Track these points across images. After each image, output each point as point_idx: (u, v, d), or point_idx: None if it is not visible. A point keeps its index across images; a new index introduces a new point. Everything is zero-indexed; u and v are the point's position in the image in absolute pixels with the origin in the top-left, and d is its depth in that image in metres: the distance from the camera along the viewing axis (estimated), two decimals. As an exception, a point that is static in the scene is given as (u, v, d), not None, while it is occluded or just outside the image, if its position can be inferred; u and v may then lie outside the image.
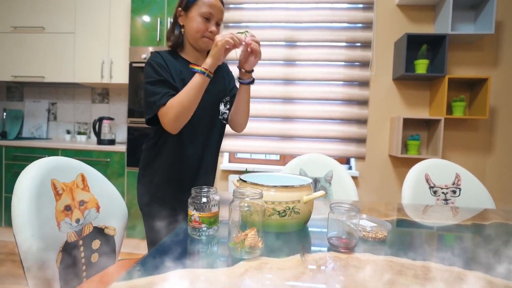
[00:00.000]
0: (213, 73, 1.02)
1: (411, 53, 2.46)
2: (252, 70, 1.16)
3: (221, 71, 1.25)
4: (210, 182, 1.26)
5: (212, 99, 1.16)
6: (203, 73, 1.00)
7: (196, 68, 1.02)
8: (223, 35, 1.00)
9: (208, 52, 1.11)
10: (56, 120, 3.08)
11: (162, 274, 0.61)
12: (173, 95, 1.01)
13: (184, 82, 1.04)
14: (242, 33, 1.07)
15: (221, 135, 1.25)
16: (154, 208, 1.14)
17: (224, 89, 1.22)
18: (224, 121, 1.24)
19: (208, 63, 1.00)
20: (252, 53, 1.09)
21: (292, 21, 2.72)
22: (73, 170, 0.98)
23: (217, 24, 1.11)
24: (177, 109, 0.99)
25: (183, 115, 1.01)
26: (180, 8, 1.11)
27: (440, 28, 2.46)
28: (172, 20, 1.16)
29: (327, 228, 0.81)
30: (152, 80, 1.04)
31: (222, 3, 1.12)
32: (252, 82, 1.17)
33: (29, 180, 0.80)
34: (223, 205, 1.16)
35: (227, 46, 1.00)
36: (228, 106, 1.23)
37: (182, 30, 1.13)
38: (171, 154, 1.13)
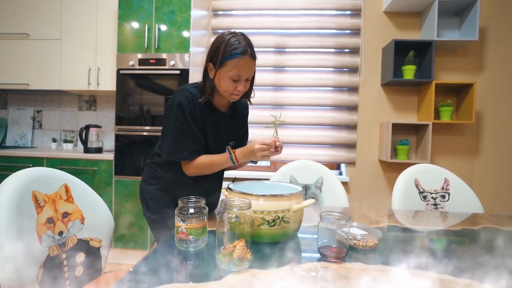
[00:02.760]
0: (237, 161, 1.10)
1: (398, 59, 2.50)
2: None
3: (241, 116, 1.28)
4: (215, 201, 1.28)
5: (225, 141, 1.21)
6: (233, 161, 1.09)
7: (231, 153, 1.09)
8: (264, 146, 1.04)
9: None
10: (42, 128, 3.01)
11: (147, 290, 0.59)
12: (198, 152, 1.10)
13: (204, 125, 1.11)
14: (272, 123, 1.13)
15: None
16: (161, 217, 1.15)
17: (236, 135, 1.27)
18: None
19: (240, 157, 1.08)
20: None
21: (281, 28, 2.74)
22: (55, 181, 0.95)
23: (246, 80, 1.08)
24: (198, 170, 1.11)
25: (201, 174, 1.13)
26: (210, 64, 1.07)
27: (426, 34, 2.50)
28: (203, 71, 1.12)
29: (317, 237, 0.80)
30: (182, 128, 1.07)
31: (254, 58, 1.06)
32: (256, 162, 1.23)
33: (8, 193, 0.77)
34: (211, 215, 1.14)
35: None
36: (231, 144, 1.25)
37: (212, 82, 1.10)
38: (177, 178, 1.16)
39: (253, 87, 1.18)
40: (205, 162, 1.10)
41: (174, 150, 1.08)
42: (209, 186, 1.22)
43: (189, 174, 1.12)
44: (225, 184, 1.22)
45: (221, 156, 1.11)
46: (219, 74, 1.05)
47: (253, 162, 1.18)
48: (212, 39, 2.78)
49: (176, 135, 1.07)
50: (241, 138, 1.30)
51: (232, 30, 1.07)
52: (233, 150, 1.10)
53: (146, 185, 1.20)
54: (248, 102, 1.25)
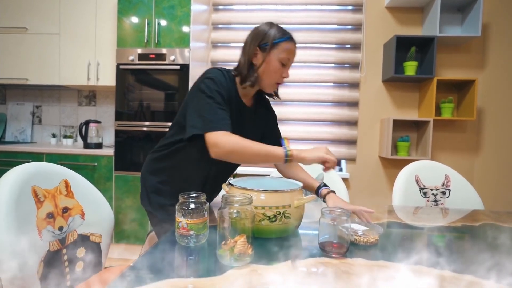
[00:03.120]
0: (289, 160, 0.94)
1: (400, 55, 2.48)
2: None
3: (263, 112, 1.23)
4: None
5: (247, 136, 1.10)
6: (286, 157, 0.92)
7: (287, 146, 0.94)
8: (328, 156, 0.93)
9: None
10: (41, 123, 3.00)
11: (149, 284, 0.59)
12: (229, 124, 0.96)
13: (231, 110, 1.01)
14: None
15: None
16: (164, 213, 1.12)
17: (259, 133, 1.21)
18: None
19: (297, 155, 0.93)
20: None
21: (282, 23, 2.70)
22: (55, 176, 0.95)
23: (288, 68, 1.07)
24: (235, 146, 0.92)
25: (235, 154, 0.93)
26: (258, 48, 1.04)
27: (428, 30, 2.49)
28: (245, 57, 1.06)
29: (318, 233, 0.79)
30: (217, 101, 0.96)
31: (296, 42, 1.06)
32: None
33: (7, 188, 0.76)
34: (213, 209, 1.13)
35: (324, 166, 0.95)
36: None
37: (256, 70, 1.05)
38: (180, 172, 1.12)
39: None
40: (247, 141, 0.93)
41: (209, 121, 0.93)
42: (214, 184, 1.19)
43: (218, 153, 0.93)
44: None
45: (270, 147, 0.94)
46: (269, 57, 1.02)
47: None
48: (213, 33, 2.78)
49: (212, 106, 0.95)
50: (273, 137, 1.25)
51: (269, 22, 1.07)
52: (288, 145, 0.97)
53: (149, 177, 1.17)
54: (276, 97, 1.18)
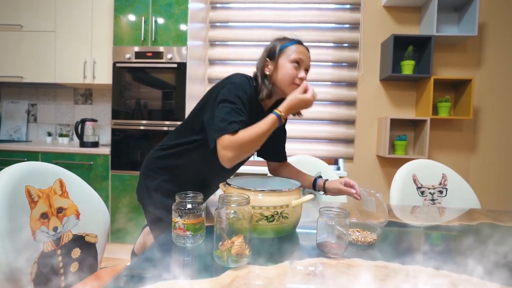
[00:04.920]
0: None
1: (397, 54, 2.48)
2: None
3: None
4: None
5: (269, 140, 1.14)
6: (279, 119, 0.96)
7: (277, 111, 0.97)
8: (303, 91, 0.99)
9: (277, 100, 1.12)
10: (36, 121, 2.97)
11: (145, 286, 0.58)
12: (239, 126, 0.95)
13: (250, 115, 1.03)
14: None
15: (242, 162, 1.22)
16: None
17: (273, 137, 1.19)
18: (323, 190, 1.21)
19: (287, 112, 0.98)
20: None
21: (279, 21, 2.71)
22: (50, 176, 0.93)
23: (306, 71, 1.08)
24: (241, 147, 0.93)
25: (244, 151, 0.95)
26: (268, 59, 1.07)
27: (425, 29, 2.49)
28: (258, 71, 1.10)
29: (316, 232, 0.79)
30: (238, 108, 0.96)
31: (308, 50, 1.09)
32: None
33: (0, 188, 0.75)
34: (210, 209, 1.13)
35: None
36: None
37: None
38: (183, 171, 1.13)
39: None
40: (248, 133, 0.93)
41: (228, 123, 0.93)
42: (216, 183, 1.19)
43: (228, 158, 0.93)
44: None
45: (265, 122, 0.95)
46: (280, 63, 1.04)
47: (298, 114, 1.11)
48: (210, 32, 2.77)
49: (232, 110, 0.95)
50: (279, 142, 1.28)
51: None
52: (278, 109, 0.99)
53: (152, 174, 1.16)
54: (297, 115, 1.17)
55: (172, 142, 1.14)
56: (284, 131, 1.30)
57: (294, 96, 0.98)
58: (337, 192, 1.14)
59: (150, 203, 1.15)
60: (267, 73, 1.07)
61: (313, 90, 1.01)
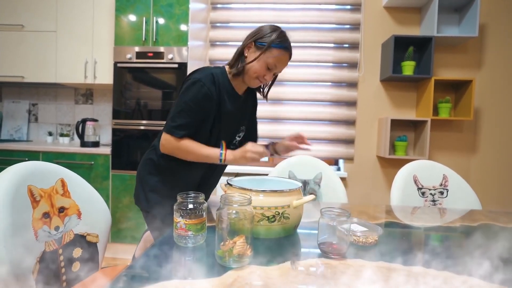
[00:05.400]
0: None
1: (398, 55, 2.48)
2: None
3: (251, 100, 1.29)
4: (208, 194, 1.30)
5: (235, 127, 1.21)
6: (220, 160, 1.06)
7: (222, 151, 1.06)
8: (255, 153, 1.03)
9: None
10: (37, 121, 2.98)
11: (146, 285, 0.58)
12: (189, 136, 1.07)
13: (220, 106, 1.09)
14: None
15: None
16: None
17: (246, 120, 1.27)
18: (232, 147, 1.26)
19: (230, 159, 1.05)
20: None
21: (280, 22, 2.71)
22: (52, 175, 0.93)
23: (274, 74, 1.13)
24: (180, 152, 1.07)
25: (179, 156, 1.09)
26: (252, 42, 1.08)
27: (426, 30, 2.49)
28: (240, 47, 1.12)
29: (317, 233, 0.79)
30: (193, 108, 1.05)
31: (290, 56, 1.12)
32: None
33: (3, 188, 0.75)
34: (211, 209, 1.13)
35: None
36: (241, 134, 1.26)
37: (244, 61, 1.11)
38: (178, 171, 1.16)
39: None
40: (191, 147, 1.06)
41: (175, 126, 1.05)
42: (213, 181, 1.22)
43: (166, 150, 1.09)
44: (223, 179, 1.22)
45: (210, 150, 1.07)
46: (260, 56, 1.06)
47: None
48: (211, 32, 2.77)
49: (184, 111, 1.05)
50: (252, 128, 1.33)
51: (278, 26, 1.11)
52: (226, 148, 1.08)
53: (147, 176, 1.17)
54: (263, 97, 1.26)
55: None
56: (256, 123, 1.38)
57: (244, 155, 1.04)
58: (285, 150, 1.21)
59: (147, 205, 1.16)
60: (245, 54, 1.10)
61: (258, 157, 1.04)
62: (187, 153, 1.07)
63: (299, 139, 1.18)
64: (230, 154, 1.06)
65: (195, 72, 1.10)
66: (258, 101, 1.36)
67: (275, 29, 1.08)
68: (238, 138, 1.25)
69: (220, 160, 1.06)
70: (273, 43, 1.05)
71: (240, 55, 1.11)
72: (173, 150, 1.08)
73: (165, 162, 1.15)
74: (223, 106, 1.10)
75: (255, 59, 1.07)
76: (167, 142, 1.07)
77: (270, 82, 1.20)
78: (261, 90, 1.24)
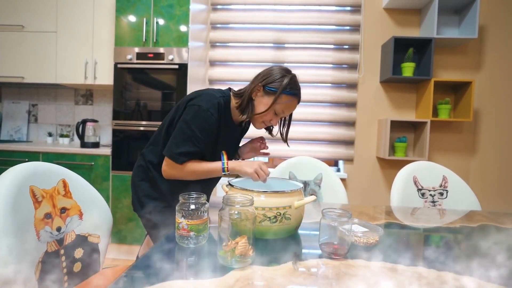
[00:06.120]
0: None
1: (398, 56, 2.49)
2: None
3: (245, 129, 1.33)
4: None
5: (236, 142, 1.26)
6: (224, 172, 1.06)
7: (224, 162, 1.07)
8: (259, 169, 1.00)
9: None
10: (37, 122, 2.98)
11: (149, 286, 0.58)
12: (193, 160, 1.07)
13: (218, 135, 1.10)
14: None
15: None
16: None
17: (232, 144, 1.27)
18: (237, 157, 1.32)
19: (234, 168, 1.05)
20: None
21: (280, 23, 2.72)
22: (53, 176, 0.94)
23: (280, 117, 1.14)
24: (184, 175, 1.07)
25: (184, 179, 1.09)
26: (260, 85, 1.07)
27: (425, 32, 2.50)
28: (247, 92, 1.10)
29: (319, 233, 0.79)
30: (197, 136, 1.04)
31: (299, 102, 1.12)
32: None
33: (5, 188, 0.75)
34: (213, 210, 1.13)
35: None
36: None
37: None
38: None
39: None
40: (193, 167, 1.06)
41: (179, 153, 1.04)
42: (207, 185, 1.21)
43: (169, 176, 1.09)
44: (224, 180, 1.22)
45: (212, 164, 1.07)
46: (265, 101, 1.06)
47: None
48: (211, 33, 2.78)
49: (190, 140, 1.04)
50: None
51: (288, 69, 1.10)
52: (227, 160, 1.09)
53: (140, 183, 1.18)
54: (284, 141, 1.23)
55: (156, 160, 1.15)
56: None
57: (242, 169, 1.03)
58: (249, 152, 1.27)
59: (142, 209, 1.17)
60: (253, 98, 1.09)
61: (264, 177, 1.01)
62: (191, 174, 1.07)
63: (260, 142, 1.25)
64: (232, 162, 1.07)
65: (201, 95, 1.07)
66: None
67: (285, 74, 1.06)
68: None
69: (223, 169, 1.06)
70: (285, 89, 1.03)
71: (248, 101, 1.09)
72: (177, 175, 1.08)
73: (154, 168, 1.16)
74: (222, 134, 1.12)
75: (264, 105, 1.06)
76: (170, 168, 1.07)
77: (287, 123, 1.20)
78: (280, 133, 1.22)
